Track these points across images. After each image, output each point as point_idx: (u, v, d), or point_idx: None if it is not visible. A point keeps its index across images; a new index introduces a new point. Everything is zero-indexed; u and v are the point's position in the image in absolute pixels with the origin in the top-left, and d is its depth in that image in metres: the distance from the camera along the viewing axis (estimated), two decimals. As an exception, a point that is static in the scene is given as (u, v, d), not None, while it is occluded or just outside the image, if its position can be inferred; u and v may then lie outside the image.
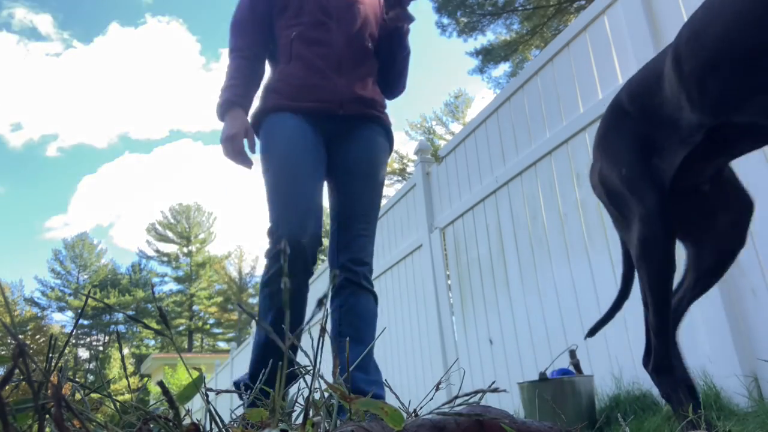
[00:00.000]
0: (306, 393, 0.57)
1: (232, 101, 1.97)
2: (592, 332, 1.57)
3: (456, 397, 0.73)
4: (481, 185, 3.69)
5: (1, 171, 51.77)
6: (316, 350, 0.58)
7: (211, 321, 34.57)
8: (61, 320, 33.59)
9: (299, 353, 0.64)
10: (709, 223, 1.33)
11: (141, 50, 50.83)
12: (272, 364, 1.46)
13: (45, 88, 51.16)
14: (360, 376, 1.74)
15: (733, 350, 1.99)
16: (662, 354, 1.20)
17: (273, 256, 1.85)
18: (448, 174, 4.11)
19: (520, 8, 12.87)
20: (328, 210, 2.07)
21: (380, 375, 1.87)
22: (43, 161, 53.31)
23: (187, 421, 0.54)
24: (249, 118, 2.04)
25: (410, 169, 23.32)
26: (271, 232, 1.85)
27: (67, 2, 49.77)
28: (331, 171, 2.03)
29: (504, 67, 15.19)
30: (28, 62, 49.97)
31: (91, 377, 30.42)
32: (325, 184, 2.03)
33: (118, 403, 0.63)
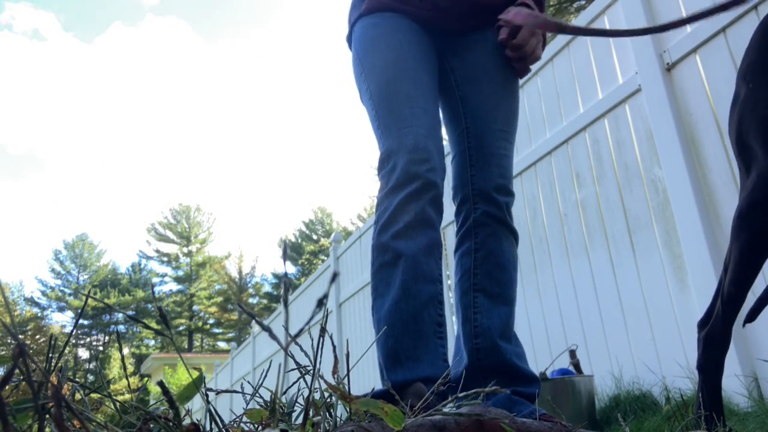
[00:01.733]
0: (306, 393, 0.57)
1: None
2: (751, 317, 1.25)
3: (456, 397, 0.73)
4: (481, 185, 3.69)
5: (2, 171, 51.84)
6: (316, 350, 0.58)
7: (211, 321, 34.59)
8: (61, 320, 33.63)
9: (300, 353, 0.64)
10: None
11: (144, 51, 50.91)
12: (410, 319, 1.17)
13: (46, 89, 51.22)
14: (508, 347, 1.37)
15: (733, 350, 1.99)
16: (722, 325, 1.12)
17: (392, 192, 1.32)
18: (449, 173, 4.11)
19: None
20: (444, 124, 1.60)
21: (521, 346, 1.46)
22: (44, 161, 53.39)
23: (187, 421, 0.54)
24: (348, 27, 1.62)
25: (410, 169, 23.27)
26: (384, 163, 1.38)
27: (70, 3, 49.86)
28: (448, 87, 1.55)
29: (504, 67, 15.18)
30: (30, 63, 50.03)
31: (91, 377, 30.43)
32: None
33: (118, 403, 0.63)
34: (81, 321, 31.93)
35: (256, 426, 0.62)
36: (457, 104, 1.53)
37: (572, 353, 2.50)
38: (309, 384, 0.56)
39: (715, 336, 1.13)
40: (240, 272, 35.46)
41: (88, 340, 34.98)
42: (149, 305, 33.48)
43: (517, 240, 1.51)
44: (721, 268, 2.16)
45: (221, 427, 0.58)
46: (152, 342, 33.42)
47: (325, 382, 0.61)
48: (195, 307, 33.94)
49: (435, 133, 1.39)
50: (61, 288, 34.09)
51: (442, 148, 1.42)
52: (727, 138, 2.15)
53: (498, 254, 1.44)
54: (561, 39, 3.10)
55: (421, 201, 1.31)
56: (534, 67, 3.31)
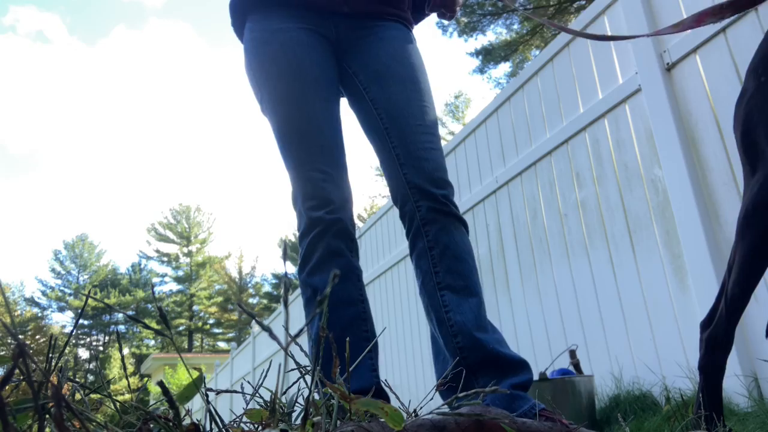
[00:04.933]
0: (306, 393, 0.57)
1: None
2: None
3: (456, 397, 0.73)
4: (481, 185, 3.69)
5: (2, 171, 51.84)
6: (316, 350, 0.58)
7: (211, 321, 34.57)
8: (61, 320, 33.62)
9: (300, 353, 0.64)
10: None
11: (147, 54, 50.89)
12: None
13: (49, 90, 51.19)
14: (487, 337, 1.34)
15: (733, 350, 1.98)
16: (725, 326, 1.10)
17: (302, 238, 1.44)
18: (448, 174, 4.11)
19: (520, 8, 12.85)
20: (363, 132, 1.58)
21: (499, 332, 1.43)
22: (46, 162, 53.37)
23: (187, 421, 0.54)
24: (229, 10, 1.60)
25: (410, 169, 23.27)
26: (293, 205, 1.48)
27: (74, 5, 49.86)
28: (356, 92, 1.54)
29: (504, 67, 15.21)
30: (33, 65, 50.01)
31: (91, 377, 30.41)
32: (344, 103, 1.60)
33: (118, 403, 0.63)
34: (81, 321, 31.90)
35: (256, 426, 0.62)
36: (370, 108, 1.51)
37: (572, 353, 2.50)
38: (309, 384, 0.56)
39: (718, 337, 1.12)
40: (240, 272, 35.44)
41: (88, 340, 34.96)
42: (149, 305, 33.46)
43: (467, 228, 1.48)
44: (722, 268, 2.16)
45: (221, 427, 0.58)
46: (152, 342, 33.40)
47: (326, 382, 0.61)
48: (195, 307, 33.92)
49: (334, 167, 1.45)
50: (61, 288, 34.08)
51: (344, 174, 1.47)
52: (728, 138, 2.15)
53: (453, 247, 1.40)
54: (561, 39, 3.10)
55: (325, 238, 1.41)
56: (534, 67, 3.31)
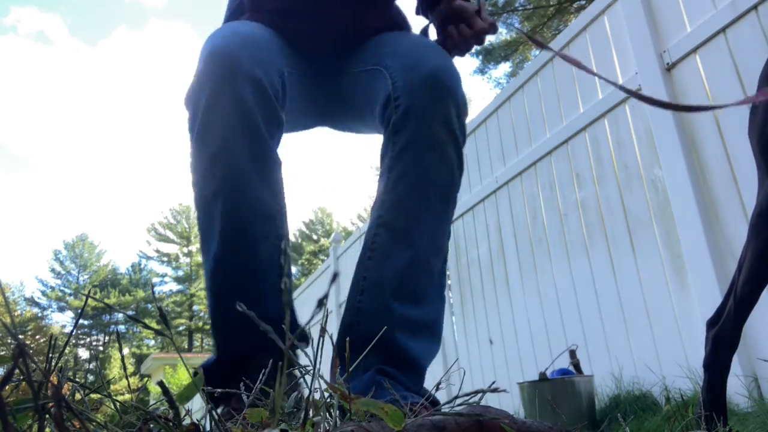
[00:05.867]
0: (306, 393, 0.57)
1: None
2: None
3: (456, 397, 0.73)
4: (481, 185, 3.69)
5: (3, 171, 51.88)
6: (316, 350, 0.58)
7: (211, 321, 34.52)
8: (61, 320, 33.63)
9: (300, 353, 0.64)
10: None
11: (148, 54, 50.92)
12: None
13: (50, 90, 51.22)
14: (402, 309, 0.98)
15: (733, 350, 1.99)
16: (733, 324, 1.10)
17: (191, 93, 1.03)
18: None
19: (520, 8, 12.87)
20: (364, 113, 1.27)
21: (440, 305, 1.06)
22: (46, 162, 53.39)
23: (187, 421, 0.54)
24: None
25: (410, 169, 23.25)
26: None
27: (75, 6, 49.90)
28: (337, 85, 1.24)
29: (504, 67, 15.22)
30: (33, 65, 50.04)
31: (91, 377, 30.42)
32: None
33: (118, 403, 0.63)
34: (81, 321, 31.91)
35: (256, 426, 0.62)
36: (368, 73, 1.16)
37: (572, 353, 2.50)
38: (309, 384, 0.56)
39: (724, 335, 1.12)
40: (240, 272, 35.33)
41: (88, 340, 34.97)
42: (149, 305, 33.47)
43: (460, 154, 1.06)
44: (721, 268, 2.16)
45: (221, 427, 0.58)
46: (152, 342, 33.40)
47: (325, 382, 0.61)
48: (195, 307, 33.91)
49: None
50: (61, 288, 34.09)
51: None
52: (728, 138, 2.15)
53: (417, 170, 0.99)
54: (561, 39, 3.10)
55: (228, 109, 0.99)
56: (534, 67, 3.31)
